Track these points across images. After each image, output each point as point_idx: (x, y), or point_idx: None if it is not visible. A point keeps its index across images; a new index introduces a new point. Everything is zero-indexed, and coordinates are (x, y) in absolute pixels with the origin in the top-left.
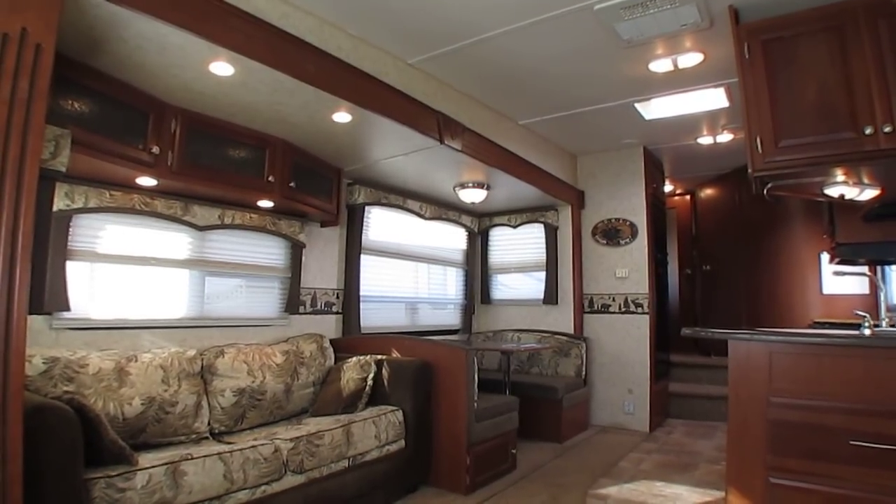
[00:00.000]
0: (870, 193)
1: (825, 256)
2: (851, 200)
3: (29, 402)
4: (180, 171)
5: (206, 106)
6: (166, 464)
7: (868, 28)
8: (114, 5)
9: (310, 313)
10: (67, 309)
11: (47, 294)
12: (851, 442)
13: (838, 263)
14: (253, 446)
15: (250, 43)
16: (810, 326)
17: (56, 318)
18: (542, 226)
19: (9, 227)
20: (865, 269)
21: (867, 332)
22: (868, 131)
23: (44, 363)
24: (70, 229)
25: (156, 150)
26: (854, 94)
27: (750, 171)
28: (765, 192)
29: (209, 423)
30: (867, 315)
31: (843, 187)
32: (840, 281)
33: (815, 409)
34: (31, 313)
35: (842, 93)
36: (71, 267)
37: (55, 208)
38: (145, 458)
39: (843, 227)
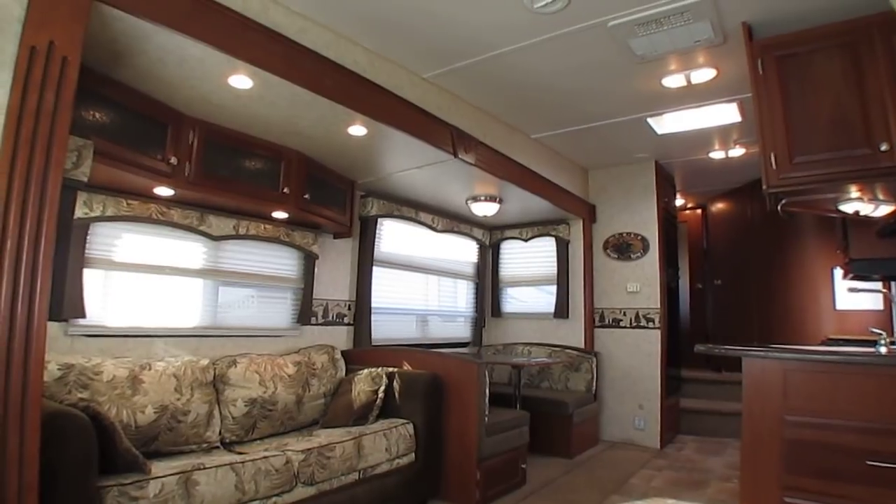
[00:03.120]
0: (884, 210)
1: (838, 272)
2: (866, 216)
3: (45, 408)
4: (197, 182)
5: (223, 118)
6: (179, 473)
7: (883, 45)
8: (137, 19)
9: (321, 324)
10: (83, 316)
11: (65, 301)
12: (868, 462)
13: (852, 279)
14: (265, 457)
15: (269, 57)
16: (824, 343)
17: (72, 324)
18: (553, 239)
19: (31, 235)
20: (880, 285)
21: (883, 350)
22: (884, 148)
23: (59, 370)
24: (88, 237)
25: (174, 160)
26: (869, 111)
27: (764, 187)
28: (779, 207)
29: (220, 433)
30: (883, 333)
31: (857, 203)
32: (854, 297)
33: (831, 427)
34: (48, 320)
35: (857, 109)
36: (87, 274)
37: (74, 216)
38: (158, 467)
39: (856, 243)
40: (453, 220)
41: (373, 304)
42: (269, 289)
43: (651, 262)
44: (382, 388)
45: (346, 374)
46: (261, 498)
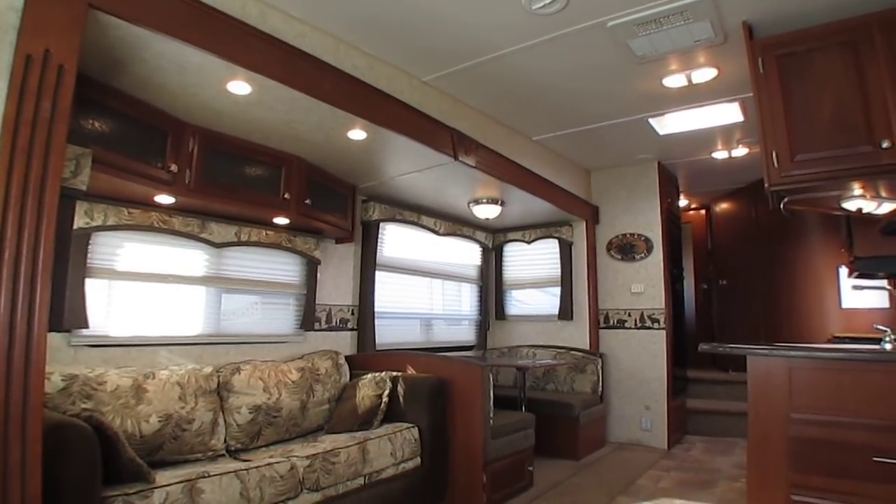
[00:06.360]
0: (888, 207)
1: (843, 270)
2: (869, 214)
3: (48, 419)
4: (198, 189)
5: (223, 124)
6: (183, 482)
7: (883, 42)
8: (135, 27)
9: (325, 330)
10: (86, 326)
11: (67, 311)
12: (874, 459)
13: (857, 277)
14: (269, 464)
15: (267, 62)
16: (829, 341)
17: (75, 335)
18: (556, 241)
19: (30, 245)
20: (885, 282)
21: (888, 346)
22: (885, 145)
23: (62, 380)
24: (89, 247)
25: (174, 168)
26: (870, 108)
27: (766, 185)
28: (781, 206)
29: (225, 441)
30: (888, 329)
31: (860, 201)
32: (859, 295)
33: (837, 425)
34: (50, 330)
35: (858, 107)
36: (89, 284)
37: (75, 226)
38: (162, 476)
39: (861, 241)
40: (456, 224)
41: (376, 309)
42: (271, 295)
43: (655, 263)
44: (387, 392)
45: (351, 380)
46: None
